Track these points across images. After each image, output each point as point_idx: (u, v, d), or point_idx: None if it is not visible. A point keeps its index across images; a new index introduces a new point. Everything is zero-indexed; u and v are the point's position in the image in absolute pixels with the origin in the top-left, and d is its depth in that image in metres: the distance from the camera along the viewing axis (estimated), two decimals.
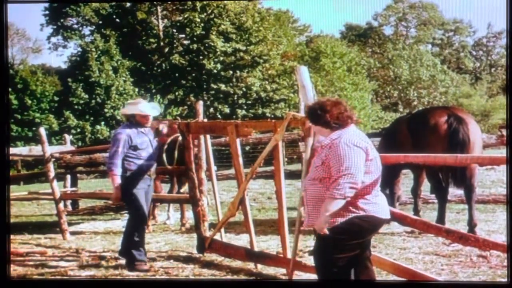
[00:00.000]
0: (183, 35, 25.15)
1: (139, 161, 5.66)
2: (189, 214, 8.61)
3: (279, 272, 5.36)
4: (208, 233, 6.07)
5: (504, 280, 4.72)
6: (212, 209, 7.29)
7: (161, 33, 25.26)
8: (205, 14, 24.36)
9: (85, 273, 5.77)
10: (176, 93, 24.25)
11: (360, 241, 3.64)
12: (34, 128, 19.22)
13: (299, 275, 4.89)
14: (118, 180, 5.60)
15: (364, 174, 3.55)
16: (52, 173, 8.24)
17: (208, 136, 6.31)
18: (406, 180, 9.18)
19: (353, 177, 3.47)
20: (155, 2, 23.68)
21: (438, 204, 6.99)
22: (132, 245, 5.66)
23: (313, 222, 3.65)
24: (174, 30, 25.39)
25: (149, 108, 5.79)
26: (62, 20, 25.10)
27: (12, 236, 5.71)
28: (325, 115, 3.67)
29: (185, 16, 24.54)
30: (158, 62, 24.78)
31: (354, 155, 3.51)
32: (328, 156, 3.59)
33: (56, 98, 22.51)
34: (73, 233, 8.16)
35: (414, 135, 6.84)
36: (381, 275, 4.83)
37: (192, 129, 5.95)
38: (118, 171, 5.58)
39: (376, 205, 3.63)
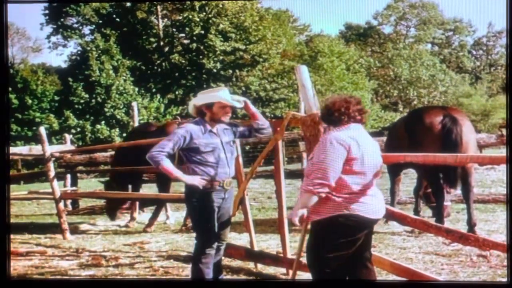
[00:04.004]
0: (183, 35, 25.16)
1: (205, 167, 4.48)
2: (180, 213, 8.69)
3: (279, 272, 5.36)
4: None
5: (504, 279, 4.72)
6: None
7: (161, 33, 25.26)
8: (204, 13, 24.37)
9: (85, 273, 5.77)
10: (176, 93, 24.25)
11: (348, 240, 3.58)
12: (34, 128, 19.22)
13: (299, 275, 4.89)
14: (170, 167, 4.42)
15: (348, 174, 3.51)
16: (52, 173, 8.24)
17: None
18: (406, 180, 9.20)
19: (323, 172, 3.45)
20: (155, 2, 23.67)
21: (436, 204, 7.01)
22: (201, 267, 4.63)
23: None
24: (174, 30, 25.40)
25: (231, 97, 4.60)
26: (62, 20, 25.09)
27: (12, 236, 5.71)
28: (347, 113, 3.66)
29: (185, 15, 24.55)
30: (158, 62, 24.79)
31: (331, 152, 3.48)
32: (315, 151, 3.62)
33: (56, 98, 22.51)
34: (73, 233, 8.17)
35: (410, 134, 6.89)
36: (381, 275, 4.83)
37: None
38: (164, 161, 4.40)
39: (364, 204, 3.57)
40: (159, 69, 24.65)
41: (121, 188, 8.77)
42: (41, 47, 27.49)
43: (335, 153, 3.48)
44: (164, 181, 8.27)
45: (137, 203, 8.94)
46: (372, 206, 3.62)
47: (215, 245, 4.62)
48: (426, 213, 7.76)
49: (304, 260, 4.98)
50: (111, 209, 9.00)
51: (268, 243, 6.71)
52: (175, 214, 8.73)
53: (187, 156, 4.53)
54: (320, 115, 3.84)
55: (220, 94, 4.53)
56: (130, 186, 8.98)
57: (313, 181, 3.46)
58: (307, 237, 4.38)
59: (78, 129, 21.34)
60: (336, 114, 3.65)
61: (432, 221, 5.83)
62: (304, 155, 10.49)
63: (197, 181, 4.44)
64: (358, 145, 3.54)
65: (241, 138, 4.78)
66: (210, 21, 24.21)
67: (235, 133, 4.67)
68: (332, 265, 3.60)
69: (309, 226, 3.78)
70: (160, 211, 8.52)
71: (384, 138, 8.66)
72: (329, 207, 3.53)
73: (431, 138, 6.59)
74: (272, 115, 23.19)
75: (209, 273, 4.62)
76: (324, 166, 3.46)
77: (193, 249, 5.10)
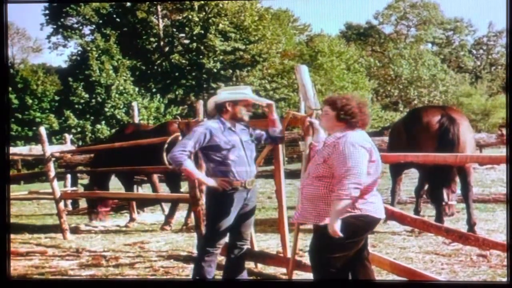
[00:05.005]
0: (183, 35, 25.15)
1: (226, 166, 4.38)
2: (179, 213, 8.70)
3: (279, 271, 5.36)
4: None
5: (504, 279, 4.72)
6: None
7: (161, 33, 25.26)
8: (203, 13, 24.37)
9: (85, 273, 5.77)
10: (176, 92, 24.24)
11: (355, 240, 3.62)
12: (34, 128, 19.21)
13: (299, 275, 4.90)
14: (192, 168, 4.34)
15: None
16: (52, 173, 8.24)
17: None
18: (406, 180, 9.20)
19: (357, 176, 3.46)
20: (155, 2, 23.67)
21: (435, 204, 7.00)
22: (203, 266, 4.54)
23: (305, 216, 3.67)
24: (174, 30, 25.40)
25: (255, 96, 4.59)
26: (62, 20, 25.09)
27: (12, 236, 5.71)
28: (360, 115, 3.66)
29: (184, 15, 24.55)
30: (158, 62, 24.78)
31: (358, 155, 3.50)
32: (332, 155, 3.57)
33: (56, 98, 22.51)
34: (73, 233, 8.17)
35: (408, 133, 6.91)
36: (381, 275, 4.84)
37: (192, 128, 5.93)
38: (186, 161, 4.28)
39: (372, 204, 3.63)
40: (159, 69, 24.64)
41: (102, 189, 8.83)
42: (41, 47, 27.49)
43: (361, 157, 3.51)
44: (174, 180, 8.30)
45: (134, 203, 8.94)
46: (377, 205, 3.67)
47: (222, 245, 4.54)
48: (426, 213, 7.76)
49: (303, 259, 5.00)
50: (92, 211, 9.05)
51: (268, 243, 6.71)
52: (175, 214, 8.72)
53: (207, 155, 4.42)
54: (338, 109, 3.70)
55: (247, 92, 4.50)
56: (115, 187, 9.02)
57: (349, 185, 3.44)
58: (301, 236, 4.42)
59: (78, 129, 21.34)
60: (364, 119, 3.69)
61: (432, 220, 5.83)
62: (304, 154, 10.47)
63: (218, 183, 4.34)
64: (375, 149, 3.62)
65: (256, 141, 4.67)
66: (210, 20, 24.21)
67: (251, 135, 4.60)
68: (338, 265, 3.62)
69: (308, 226, 3.76)
70: (176, 209, 8.50)
71: (384, 138, 8.69)
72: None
73: (428, 137, 6.61)
74: None
75: (210, 272, 4.56)
76: (356, 171, 3.46)
77: (193, 248, 5.07)
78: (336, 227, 3.47)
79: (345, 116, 3.66)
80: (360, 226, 3.60)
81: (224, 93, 4.52)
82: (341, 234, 3.49)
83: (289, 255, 5.13)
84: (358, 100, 3.73)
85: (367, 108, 3.75)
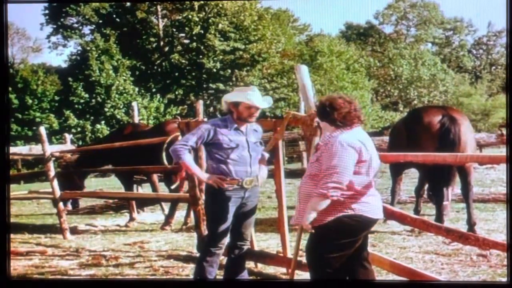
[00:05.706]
0: (183, 34, 25.17)
1: (225, 165, 4.38)
2: (179, 213, 8.70)
3: (279, 271, 5.36)
4: None
5: (504, 279, 4.72)
6: None
7: (161, 32, 25.27)
8: (203, 13, 24.38)
9: (85, 273, 5.77)
10: (176, 92, 24.24)
11: (351, 240, 3.61)
12: (34, 128, 19.21)
13: (300, 275, 4.89)
14: (190, 162, 4.41)
15: (354, 175, 3.52)
16: (52, 172, 8.24)
17: None
18: (406, 180, 9.20)
19: (338, 176, 3.45)
20: (155, 2, 23.67)
21: (436, 203, 7.00)
22: (204, 266, 4.57)
23: (301, 218, 3.65)
24: (174, 29, 25.41)
25: (259, 98, 4.46)
26: (62, 20, 25.11)
27: (12, 236, 5.71)
28: (333, 113, 3.63)
29: (184, 15, 24.57)
30: (158, 62, 24.79)
31: (344, 155, 3.48)
32: (322, 153, 3.59)
33: (56, 98, 22.52)
34: (73, 233, 8.16)
35: (409, 133, 6.91)
36: (380, 275, 4.83)
37: (192, 128, 5.93)
38: (185, 155, 4.35)
39: (367, 204, 3.60)
40: (159, 69, 24.66)
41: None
42: (41, 47, 27.51)
43: (348, 156, 3.48)
44: (172, 180, 8.29)
45: (134, 203, 8.93)
46: (374, 206, 3.65)
47: (223, 244, 4.55)
48: (426, 213, 7.76)
49: (303, 259, 5.00)
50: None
51: (268, 242, 6.71)
52: (175, 214, 8.72)
53: (209, 152, 4.46)
54: (321, 113, 3.73)
55: (248, 94, 4.41)
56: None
57: (328, 185, 3.45)
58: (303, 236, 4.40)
59: (78, 129, 21.36)
60: (346, 116, 3.64)
61: (432, 220, 5.83)
62: (304, 154, 10.49)
63: (213, 180, 4.36)
64: (366, 149, 3.58)
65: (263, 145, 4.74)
66: (210, 20, 24.22)
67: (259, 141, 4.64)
68: (334, 265, 3.61)
69: None
70: (176, 208, 8.49)
71: (384, 138, 8.69)
72: (334, 208, 3.53)
73: (429, 137, 6.61)
74: (272, 115, 23.19)
75: (212, 272, 4.57)
76: (338, 170, 3.45)
77: (193, 248, 5.05)
78: (308, 223, 3.53)
79: (320, 116, 3.71)
80: (354, 226, 3.58)
81: (231, 94, 4.56)
82: (312, 230, 3.55)
83: (289, 255, 5.14)
84: (344, 99, 3.69)
85: (344, 103, 3.64)
